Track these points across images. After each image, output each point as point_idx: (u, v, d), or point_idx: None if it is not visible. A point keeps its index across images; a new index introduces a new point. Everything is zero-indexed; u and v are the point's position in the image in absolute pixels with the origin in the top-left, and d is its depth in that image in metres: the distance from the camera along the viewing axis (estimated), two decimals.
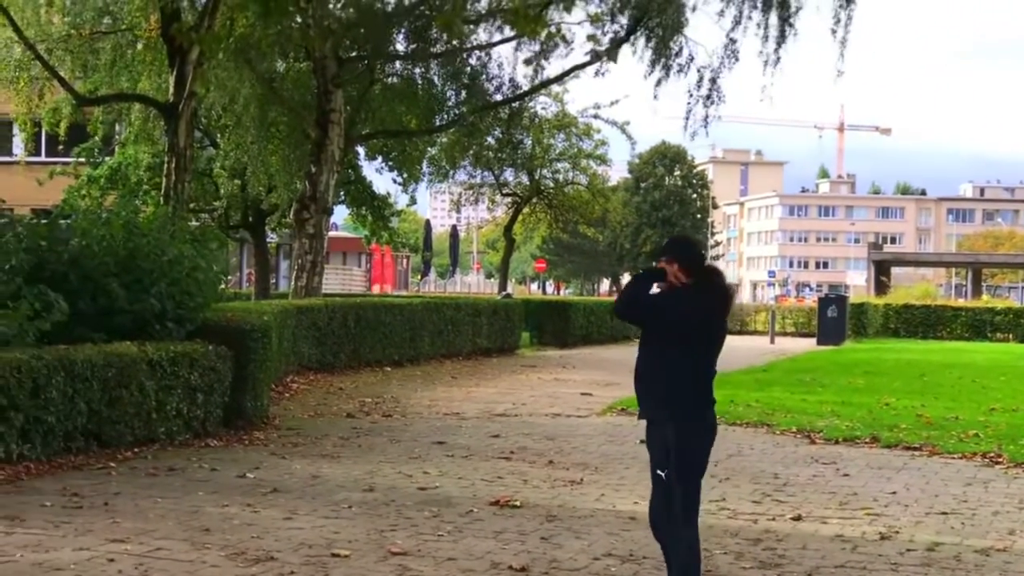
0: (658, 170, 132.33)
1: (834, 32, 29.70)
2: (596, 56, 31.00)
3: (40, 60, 28.50)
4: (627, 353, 39.28)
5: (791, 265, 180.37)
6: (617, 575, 9.11)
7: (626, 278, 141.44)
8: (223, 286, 19.38)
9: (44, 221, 16.41)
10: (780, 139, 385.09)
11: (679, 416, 7.68)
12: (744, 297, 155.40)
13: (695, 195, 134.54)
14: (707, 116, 31.25)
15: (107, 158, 41.61)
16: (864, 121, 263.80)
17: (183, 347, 15.64)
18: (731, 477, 13.83)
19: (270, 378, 18.45)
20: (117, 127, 40.09)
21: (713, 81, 30.85)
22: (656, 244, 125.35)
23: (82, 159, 41.88)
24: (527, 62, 32.04)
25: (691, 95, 31.03)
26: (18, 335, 13.71)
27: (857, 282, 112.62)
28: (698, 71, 30.83)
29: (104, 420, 13.99)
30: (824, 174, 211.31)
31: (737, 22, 29.86)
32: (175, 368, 15.18)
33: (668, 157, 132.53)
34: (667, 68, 30.74)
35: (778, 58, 30.11)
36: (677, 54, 30.62)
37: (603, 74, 32.33)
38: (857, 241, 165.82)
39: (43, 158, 44.31)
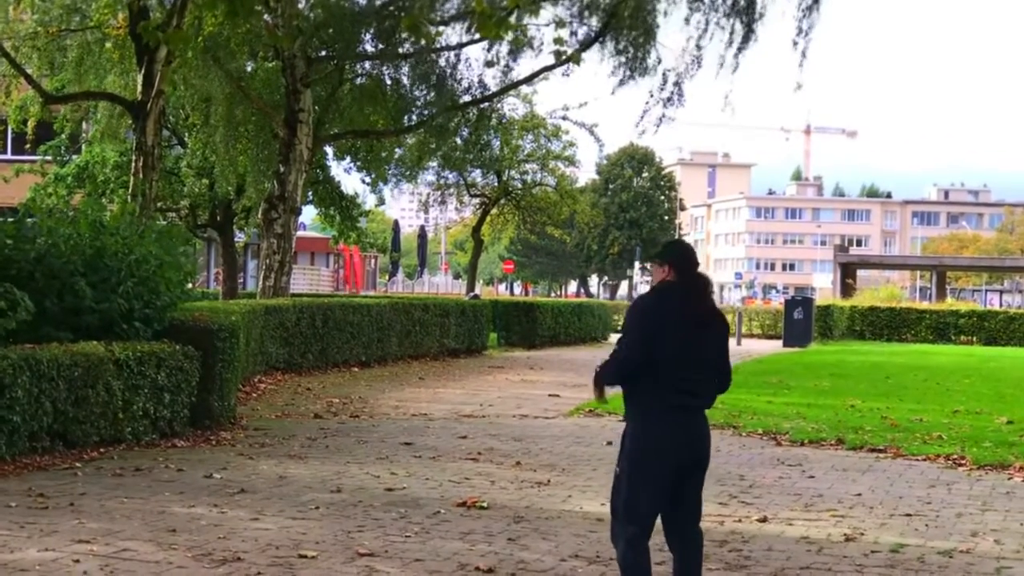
0: (626, 172, 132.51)
1: (795, 43, 29.79)
2: (562, 58, 31.04)
3: (6, 57, 28.36)
4: (595, 354, 39.28)
5: (758, 267, 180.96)
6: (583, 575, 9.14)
7: (594, 280, 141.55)
8: (190, 285, 19.32)
9: (10, 219, 16.34)
10: (748, 142, 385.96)
11: None
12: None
13: (663, 197, 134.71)
14: (663, 116, 31.33)
15: (74, 156, 41.48)
16: (831, 124, 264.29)
17: (150, 347, 15.60)
18: None
19: (237, 378, 18.40)
20: (84, 125, 39.95)
21: (677, 84, 30.93)
22: (623, 245, 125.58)
23: (48, 157, 41.74)
24: (492, 64, 32.07)
25: (651, 95, 31.10)
26: None
27: (823, 284, 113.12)
28: (663, 74, 30.91)
29: (70, 420, 13.94)
30: (797, 176, 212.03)
31: (704, 28, 29.92)
32: (142, 368, 15.13)
33: (636, 159, 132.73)
34: (634, 71, 30.81)
35: (736, 64, 30.21)
36: (644, 58, 30.68)
37: (567, 74, 32.49)
38: (823, 243, 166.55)
39: (9, 156, 44.12)
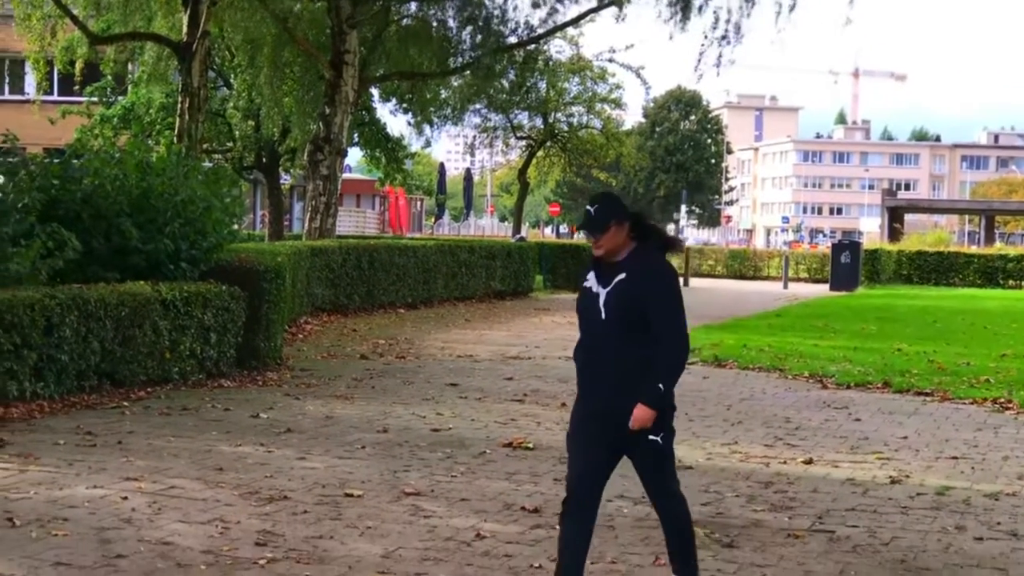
0: (673, 115, 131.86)
1: None
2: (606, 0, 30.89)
3: None
4: None
5: (805, 211, 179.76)
6: (630, 516, 9.14)
7: None
8: (237, 227, 19.33)
9: (57, 160, 16.38)
10: (795, 85, 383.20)
11: None
12: (758, 243, 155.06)
13: (709, 140, 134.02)
14: (720, 56, 30.96)
15: (120, 98, 41.58)
16: (880, 67, 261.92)
17: (196, 287, 15.64)
18: (743, 421, 13.86)
19: (284, 319, 18.45)
20: (130, 66, 40.02)
21: (729, 22, 30.62)
22: (669, 189, 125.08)
23: (95, 99, 41.84)
24: (538, 5, 31.91)
25: (706, 36, 30.79)
26: (31, 274, 13.73)
27: (871, 228, 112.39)
28: (714, 13, 30.62)
29: (117, 359, 14.03)
30: (841, 119, 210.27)
31: None
32: (188, 308, 15.19)
33: (683, 102, 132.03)
34: (686, 11, 30.55)
35: (793, 4, 29.98)
36: None
37: (622, 19, 32.29)
38: (871, 187, 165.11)
39: (56, 97, 44.24)
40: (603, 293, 6.72)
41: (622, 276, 6.70)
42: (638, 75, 51.27)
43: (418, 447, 11.56)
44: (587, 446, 6.78)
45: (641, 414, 6.61)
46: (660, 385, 6.61)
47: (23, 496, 9.02)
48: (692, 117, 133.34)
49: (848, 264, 48.08)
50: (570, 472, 6.88)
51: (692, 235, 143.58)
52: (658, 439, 6.72)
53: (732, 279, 56.30)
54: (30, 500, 8.91)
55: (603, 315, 6.68)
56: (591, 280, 6.84)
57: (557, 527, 6.96)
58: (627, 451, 6.79)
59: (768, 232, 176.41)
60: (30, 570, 7.25)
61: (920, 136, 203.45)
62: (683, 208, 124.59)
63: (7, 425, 11.79)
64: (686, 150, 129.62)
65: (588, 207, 6.78)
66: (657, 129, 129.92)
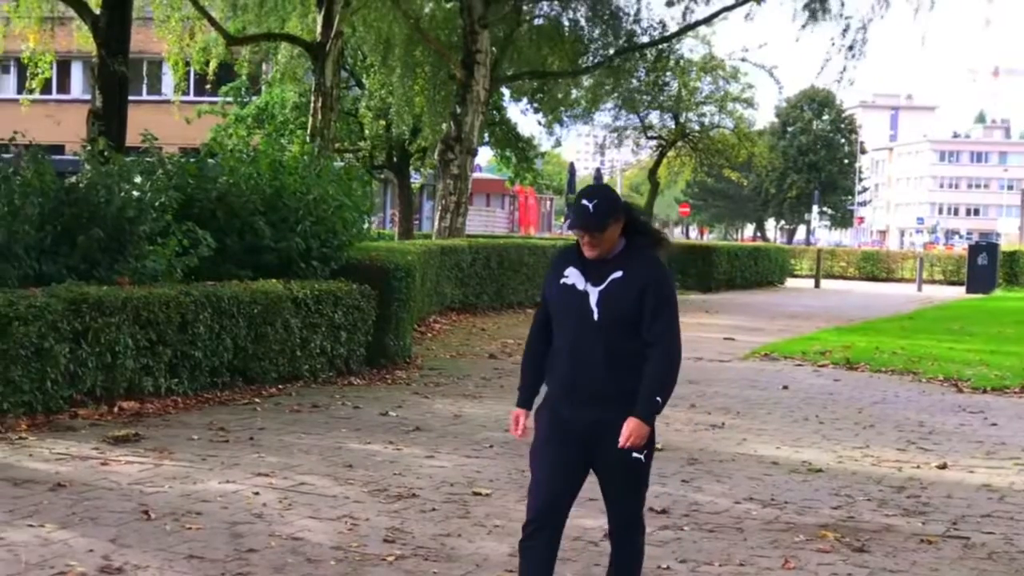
0: (806, 114, 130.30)
1: None
2: None
3: (191, 0, 28.82)
4: (771, 298, 38.97)
5: (940, 212, 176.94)
6: (758, 519, 9.04)
7: (770, 224, 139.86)
8: (367, 226, 19.45)
9: (192, 160, 16.63)
10: (932, 83, 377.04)
11: None
12: (891, 244, 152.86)
13: (843, 140, 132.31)
14: (844, 68, 30.97)
15: (254, 98, 42.18)
16: (1020, 65, 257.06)
17: (327, 285, 15.77)
18: (875, 424, 13.66)
19: (413, 318, 18.55)
20: (264, 67, 40.57)
21: (861, 29, 30.45)
22: (801, 189, 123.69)
23: (229, 99, 42.45)
24: (671, 3, 31.82)
25: (833, 43, 30.65)
26: (167, 271, 13.98)
27: (1009, 230, 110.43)
28: (845, 19, 30.44)
29: (249, 356, 14.19)
30: (981, 119, 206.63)
31: None
32: (319, 306, 15.32)
33: (816, 101, 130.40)
34: (815, 12, 30.40)
35: (933, 2, 29.70)
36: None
37: (751, 18, 32.14)
38: (1010, 188, 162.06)
39: (192, 97, 44.99)
40: (594, 292, 6.01)
41: (618, 275, 5.98)
42: (771, 74, 51.24)
43: None
44: (562, 466, 6.25)
45: (637, 430, 5.94)
46: (658, 398, 6.03)
47: (158, 490, 9.16)
48: (825, 117, 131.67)
49: (985, 266, 47.25)
50: (539, 496, 6.31)
51: (824, 236, 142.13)
52: (641, 457, 6.08)
53: (864, 281, 55.63)
54: (165, 494, 9.04)
55: (595, 316, 6.01)
56: (573, 276, 6.09)
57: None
58: (598, 468, 6.18)
59: (902, 233, 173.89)
60: (164, 562, 7.35)
61: None
62: (815, 209, 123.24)
63: (143, 420, 11.99)
64: (819, 150, 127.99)
65: (584, 202, 5.92)
66: (789, 129, 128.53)
